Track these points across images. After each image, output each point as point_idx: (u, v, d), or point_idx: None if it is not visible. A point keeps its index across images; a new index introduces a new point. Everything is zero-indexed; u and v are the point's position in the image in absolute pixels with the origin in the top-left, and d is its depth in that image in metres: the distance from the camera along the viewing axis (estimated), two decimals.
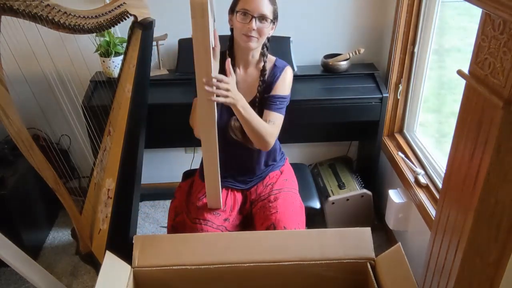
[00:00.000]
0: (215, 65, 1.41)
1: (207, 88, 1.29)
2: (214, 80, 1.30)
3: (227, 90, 1.34)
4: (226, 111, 1.56)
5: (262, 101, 1.56)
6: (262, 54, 1.56)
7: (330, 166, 2.42)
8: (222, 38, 1.41)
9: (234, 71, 1.55)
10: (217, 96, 1.33)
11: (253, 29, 1.42)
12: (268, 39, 1.55)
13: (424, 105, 2.07)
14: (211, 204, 1.59)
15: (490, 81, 0.90)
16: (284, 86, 1.56)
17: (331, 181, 2.30)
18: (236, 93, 1.39)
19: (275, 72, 1.56)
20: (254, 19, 1.41)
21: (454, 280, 1.09)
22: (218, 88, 1.32)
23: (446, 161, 1.10)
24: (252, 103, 1.57)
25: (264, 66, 1.56)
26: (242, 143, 1.57)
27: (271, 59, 1.59)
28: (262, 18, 1.43)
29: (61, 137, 2.33)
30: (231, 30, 1.54)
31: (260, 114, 1.53)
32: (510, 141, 0.89)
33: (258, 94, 1.56)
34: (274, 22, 1.49)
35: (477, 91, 0.93)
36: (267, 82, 1.56)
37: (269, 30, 1.49)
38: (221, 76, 1.33)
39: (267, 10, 1.43)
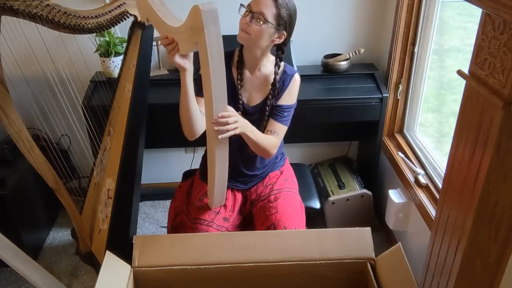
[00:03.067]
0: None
1: (217, 128, 1.30)
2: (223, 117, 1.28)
3: (236, 122, 1.33)
4: (233, 107, 1.56)
5: (271, 110, 1.57)
6: (275, 65, 1.53)
7: (330, 166, 2.42)
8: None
9: (243, 73, 1.55)
10: (228, 131, 1.32)
11: (246, 23, 1.40)
12: (281, 50, 1.52)
13: (424, 105, 2.07)
14: (217, 202, 1.57)
15: (490, 81, 0.90)
16: (291, 96, 1.57)
17: (331, 181, 2.30)
18: (242, 120, 1.39)
19: (285, 79, 1.56)
20: (250, 14, 1.40)
21: (454, 280, 1.09)
22: (227, 124, 1.31)
23: (446, 161, 1.10)
24: (257, 109, 1.57)
25: (275, 79, 1.53)
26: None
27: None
28: (259, 16, 1.38)
29: (61, 137, 2.32)
30: None
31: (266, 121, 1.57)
32: (510, 141, 0.89)
33: (268, 107, 1.55)
34: (278, 29, 1.44)
35: (477, 91, 0.93)
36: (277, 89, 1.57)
37: (268, 35, 1.43)
38: (227, 112, 1.31)
39: (268, 10, 1.39)
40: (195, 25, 1.16)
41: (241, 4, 1.44)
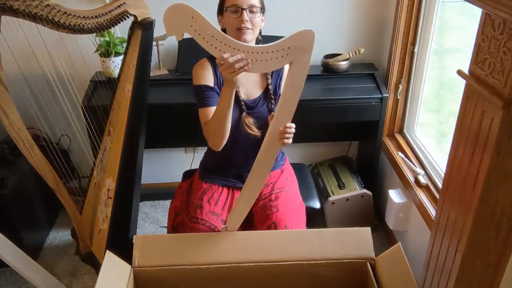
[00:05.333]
0: None
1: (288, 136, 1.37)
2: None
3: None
4: (236, 109, 1.55)
5: (275, 98, 1.59)
6: None
7: (330, 166, 2.42)
8: None
9: None
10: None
11: (246, 21, 1.44)
12: (260, 32, 1.56)
13: (424, 105, 2.07)
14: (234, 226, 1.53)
15: (490, 81, 0.90)
16: None
17: (331, 181, 2.30)
18: None
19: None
20: (245, 11, 1.43)
21: (454, 280, 1.09)
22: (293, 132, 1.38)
23: (446, 161, 1.10)
24: (259, 101, 1.58)
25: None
26: (255, 139, 1.57)
27: None
28: (252, 8, 1.44)
29: (61, 137, 2.33)
30: (223, 30, 1.54)
31: (270, 110, 1.59)
32: (510, 141, 0.89)
33: (272, 96, 1.58)
34: (263, 13, 1.50)
35: (477, 91, 0.93)
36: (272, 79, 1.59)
37: (260, 21, 1.50)
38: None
39: (255, 1, 1.45)
40: (300, 46, 1.23)
41: (225, 9, 1.46)
